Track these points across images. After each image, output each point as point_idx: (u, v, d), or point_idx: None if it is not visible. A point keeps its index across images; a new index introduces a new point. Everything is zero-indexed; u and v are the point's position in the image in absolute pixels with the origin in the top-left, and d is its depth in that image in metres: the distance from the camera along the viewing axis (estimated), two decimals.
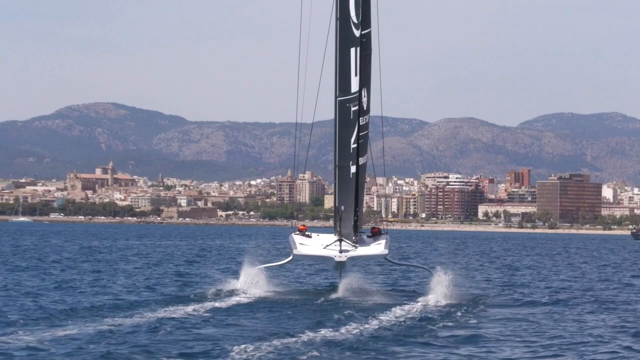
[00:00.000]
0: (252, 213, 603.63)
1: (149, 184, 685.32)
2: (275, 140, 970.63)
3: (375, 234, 60.83)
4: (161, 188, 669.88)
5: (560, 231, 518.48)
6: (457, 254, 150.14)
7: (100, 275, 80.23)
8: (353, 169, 58.77)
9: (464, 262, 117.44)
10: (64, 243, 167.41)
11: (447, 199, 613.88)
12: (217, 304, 54.12)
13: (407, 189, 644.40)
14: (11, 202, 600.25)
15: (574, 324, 50.10)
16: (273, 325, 45.56)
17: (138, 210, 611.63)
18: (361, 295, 56.75)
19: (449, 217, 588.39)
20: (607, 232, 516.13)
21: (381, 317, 48.30)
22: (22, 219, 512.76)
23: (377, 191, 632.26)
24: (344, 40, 57.85)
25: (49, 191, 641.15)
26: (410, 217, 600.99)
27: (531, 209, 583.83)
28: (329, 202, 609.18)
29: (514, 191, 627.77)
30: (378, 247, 57.83)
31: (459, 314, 51.39)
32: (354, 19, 57.66)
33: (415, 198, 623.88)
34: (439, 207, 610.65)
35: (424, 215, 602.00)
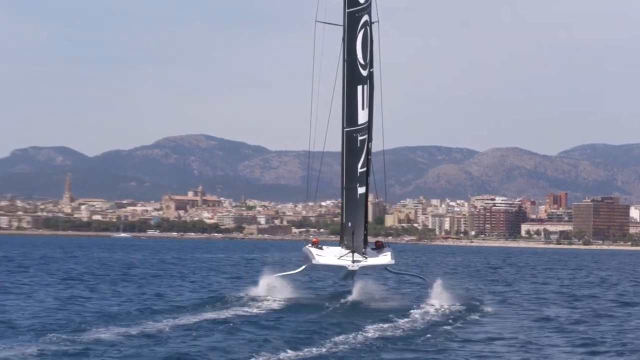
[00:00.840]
0: (322, 230, 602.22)
1: (233, 204, 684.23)
2: (334, 167, 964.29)
3: (379, 247, 60.30)
4: (244, 208, 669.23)
5: (593, 247, 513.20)
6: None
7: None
8: (360, 190, 58.54)
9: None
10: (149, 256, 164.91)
11: (493, 218, 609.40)
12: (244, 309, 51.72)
13: (458, 209, 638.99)
14: (114, 220, 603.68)
15: None
16: (310, 326, 43.93)
17: (223, 227, 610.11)
18: (374, 299, 56.79)
19: (495, 234, 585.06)
20: (634, 248, 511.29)
21: (402, 320, 47.00)
22: (122, 234, 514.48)
23: (432, 211, 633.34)
24: (352, 78, 57.37)
25: (147, 211, 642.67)
26: (461, 235, 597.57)
27: (568, 227, 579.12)
28: (388, 220, 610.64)
29: (552, 212, 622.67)
30: (385, 258, 57.85)
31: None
32: (361, 57, 57.16)
33: (465, 218, 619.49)
34: (487, 225, 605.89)
35: (473, 233, 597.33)
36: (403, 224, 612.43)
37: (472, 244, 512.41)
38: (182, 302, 57.36)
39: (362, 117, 57.36)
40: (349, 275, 56.61)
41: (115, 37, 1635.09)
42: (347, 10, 56.79)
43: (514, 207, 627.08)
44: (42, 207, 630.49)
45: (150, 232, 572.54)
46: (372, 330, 42.87)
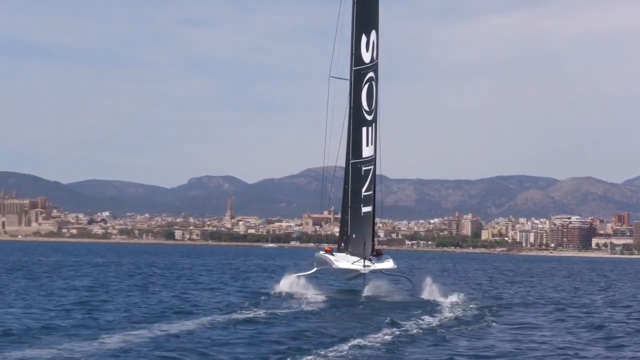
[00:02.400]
0: (429, 242, 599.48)
1: None
2: (450, 192, 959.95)
3: (379, 254, 59.16)
4: None
5: None
6: None
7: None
8: (365, 209, 58.11)
9: None
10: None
11: (569, 233, 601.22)
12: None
13: (541, 226, 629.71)
14: (264, 233, 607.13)
15: None
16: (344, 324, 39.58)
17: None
18: (384, 295, 54.70)
19: (570, 246, 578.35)
20: None
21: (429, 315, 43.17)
22: (270, 245, 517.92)
23: (520, 227, 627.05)
24: (357, 121, 57.37)
25: (290, 226, 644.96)
26: (543, 246, 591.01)
27: (629, 241, 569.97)
28: (484, 235, 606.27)
29: (617, 228, 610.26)
30: (389, 263, 56.85)
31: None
32: (366, 105, 56.76)
33: (547, 233, 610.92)
34: (564, 239, 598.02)
35: (552, 245, 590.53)
36: (496, 238, 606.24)
37: (552, 254, 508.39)
38: None
39: (367, 152, 57.25)
40: (359, 276, 56.09)
41: (270, 89, 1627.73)
42: (353, 68, 56.70)
43: (586, 224, 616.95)
44: (209, 223, 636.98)
45: (292, 243, 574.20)
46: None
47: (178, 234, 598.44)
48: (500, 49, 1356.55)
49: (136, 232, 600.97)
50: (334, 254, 57.60)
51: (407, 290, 58.61)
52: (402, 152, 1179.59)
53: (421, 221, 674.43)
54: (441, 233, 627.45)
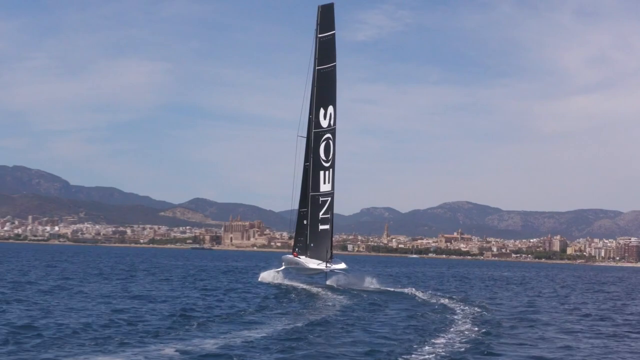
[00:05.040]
0: (529, 256, 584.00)
1: (479, 240, 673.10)
2: (545, 220, 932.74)
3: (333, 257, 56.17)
4: (484, 242, 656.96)
5: None
6: None
7: None
8: (322, 227, 55.39)
9: None
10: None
11: (629, 250, 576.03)
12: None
13: (609, 245, 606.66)
14: (410, 247, 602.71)
15: None
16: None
17: (471, 252, 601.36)
18: (338, 286, 52.75)
19: (631, 259, 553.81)
20: None
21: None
22: (413, 256, 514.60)
23: (594, 245, 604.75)
24: (316, 167, 55.73)
25: (429, 242, 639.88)
26: (610, 259, 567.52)
27: None
28: (568, 250, 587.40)
29: None
30: (342, 265, 55.24)
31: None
32: (323, 156, 55.49)
33: (613, 249, 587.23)
34: (625, 254, 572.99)
35: (617, 258, 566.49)
36: (577, 252, 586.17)
37: (617, 265, 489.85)
38: None
39: (324, 187, 55.64)
40: (320, 273, 55.13)
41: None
42: (313, 131, 56.01)
43: None
44: (371, 239, 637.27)
45: (430, 255, 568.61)
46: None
47: (350, 247, 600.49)
48: (585, 119, 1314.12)
49: None
50: (300, 257, 56.08)
51: (354, 283, 56.10)
52: (512, 191, 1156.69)
53: (524, 240, 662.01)
54: (537, 249, 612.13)
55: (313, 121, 55.63)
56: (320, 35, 56.16)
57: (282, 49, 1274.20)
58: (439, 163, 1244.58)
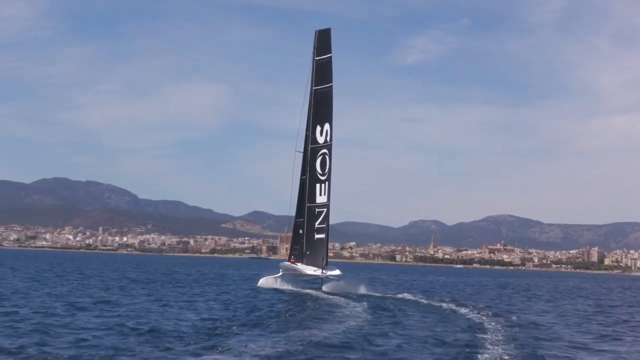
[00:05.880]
0: (568, 266, 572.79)
1: (521, 251, 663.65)
2: (584, 232, 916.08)
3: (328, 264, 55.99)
4: (525, 254, 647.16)
5: None
6: None
7: None
8: (318, 236, 55.29)
9: None
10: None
11: None
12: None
13: None
14: (455, 258, 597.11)
15: None
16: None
17: (514, 262, 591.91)
18: (332, 291, 52.38)
19: None
20: None
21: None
22: (458, 266, 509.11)
23: (630, 256, 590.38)
24: (313, 180, 55.70)
25: (473, 253, 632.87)
26: None
27: None
28: (605, 261, 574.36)
29: None
30: (337, 271, 54.93)
31: None
32: (320, 170, 55.31)
33: None
34: None
35: None
36: (613, 263, 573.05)
37: None
38: None
39: (320, 199, 55.61)
40: (316, 279, 54.82)
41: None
42: (310, 146, 56.06)
43: None
44: (418, 250, 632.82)
45: (474, 265, 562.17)
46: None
47: (398, 257, 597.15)
48: (622, 137, 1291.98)
49: (371, 255, 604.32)
50: (297, 264, 55.97)
51: (348, 288, 55.76)
52: (553, 205, 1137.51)
53: (563, 252, 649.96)
54: (576, 260, 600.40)
55: (310, 137, 55.74)
56: (317, 58, 56.30)
57: (336, 73, 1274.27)
58: (483, 178, 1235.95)
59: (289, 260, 57.17)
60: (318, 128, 55.71)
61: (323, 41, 56.35)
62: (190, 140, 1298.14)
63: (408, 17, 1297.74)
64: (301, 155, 56.17)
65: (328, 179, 55.44)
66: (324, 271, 54.31)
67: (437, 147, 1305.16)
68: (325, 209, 55.56)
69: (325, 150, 55.53)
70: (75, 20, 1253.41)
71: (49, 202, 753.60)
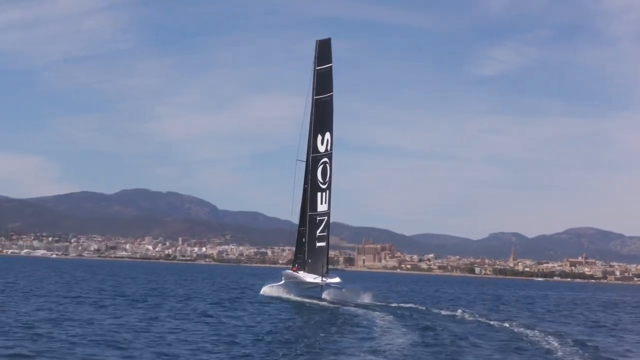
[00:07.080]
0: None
1: (602, 264, 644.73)
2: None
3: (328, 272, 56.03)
4: (607, 267, 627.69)
5: None
6: None
7: None
8: (319, 244, 55.37)
9: None
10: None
11: None
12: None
13: None
14: (535, 271, 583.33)
15: None
16: None
17: (591, 275, 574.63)
18: (332, 298, 53.01)
19: None
20: None
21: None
22: (539, 279, 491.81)
23: None
24: (314, 188, 55.75)
25: (554, 266, 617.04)
26: None
27: None
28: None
29: None
30: (337, 279, 54.96)
31: None
32: (320, 179, 55.41)
33: None
34: None
35: None
36: None
37: None
38: None
39: (321, 207, 55.64)
40: (317, 286, 54.90)
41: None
42: (311, 155, 56.29)
43: None
44: (498, 263, 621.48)
45: (555, 278, 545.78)
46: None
47: (477, 270, 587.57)
48: None
49: (449, 267, 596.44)
50: (299, 272, 56.14)
51: (347, 296, 55.92)
52: (635, 218, 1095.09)
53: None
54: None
55: (311, 146, 55.97)
56: (317, 68, 56.55)
57: (413, 84, 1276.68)
58: (564, 190, 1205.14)
59: (291, 269, 57.42)
60: (319, 137, 55.93)
61: (323, 51, 56.64)
62: (268, 152, 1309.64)
63: (486, 29, 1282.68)
64: (302, 164, 56.44)
65: (329, 188, 55.49)
66: (324, 279, 54.38)
67: (516, 159, 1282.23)
68: (326, 217, 55.62)
69: (326, 159, 55.70)
70: (154, 33, 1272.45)
71: (129, 212, 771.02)
